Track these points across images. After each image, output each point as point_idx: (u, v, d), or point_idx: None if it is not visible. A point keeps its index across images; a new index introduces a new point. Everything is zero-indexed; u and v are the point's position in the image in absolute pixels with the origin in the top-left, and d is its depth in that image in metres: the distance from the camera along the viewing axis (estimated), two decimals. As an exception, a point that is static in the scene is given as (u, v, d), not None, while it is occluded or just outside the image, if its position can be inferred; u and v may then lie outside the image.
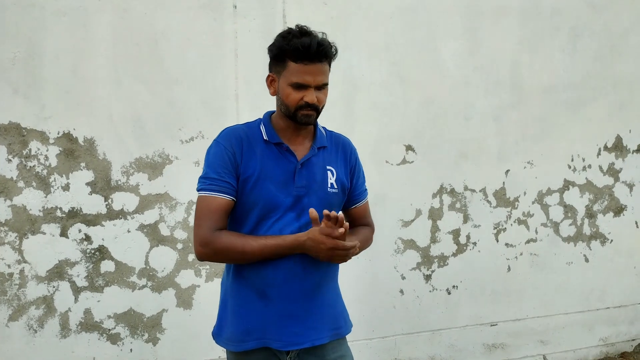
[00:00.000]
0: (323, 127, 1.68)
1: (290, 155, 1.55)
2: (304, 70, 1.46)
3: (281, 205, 1.52)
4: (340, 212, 1.51)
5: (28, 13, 2.33)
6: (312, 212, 1.43)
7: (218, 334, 1.62)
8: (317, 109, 1.51)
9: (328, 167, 1.59)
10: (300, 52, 1.45)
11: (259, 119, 1.63)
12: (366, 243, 1.71)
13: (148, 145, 2.51)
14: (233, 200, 1.51)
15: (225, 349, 1.62)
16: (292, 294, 1.53)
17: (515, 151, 3.13)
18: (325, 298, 1.59)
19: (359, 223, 1.73)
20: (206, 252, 1.49)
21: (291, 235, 1.49)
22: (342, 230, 1.41)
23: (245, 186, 1.51)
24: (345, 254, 1.46)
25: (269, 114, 1.62)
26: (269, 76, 1.57)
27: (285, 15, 2.70)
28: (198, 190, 1.53)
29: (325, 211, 1.42)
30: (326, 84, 1.51)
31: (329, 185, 1.57)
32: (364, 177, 1.74)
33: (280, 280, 1.52)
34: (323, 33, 1.52)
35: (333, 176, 1.59)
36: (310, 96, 1.47)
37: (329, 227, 1.42)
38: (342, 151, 1.66)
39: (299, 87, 1.48)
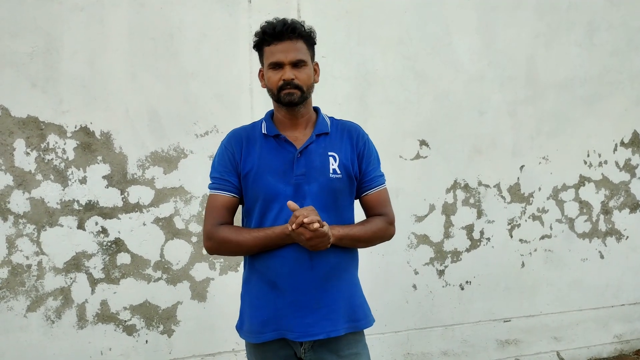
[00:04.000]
0: (330, 117, 1.68)
1: (289, 145, 1.58)
2: (275, 50, 1.54)
3: (281, 195, 1.53)
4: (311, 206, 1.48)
5: (46, 8, 2.36)
6: (290, 204, 1.44)
7: (240, 328, 1.63)
8: (298, 87, 1.54)
9: (330, 153, 1.58)
10: (268, 34, 1.54)
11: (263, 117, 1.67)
12: (379, 234, 1.61)
13: (163, 139, 2.53)
14: (234, 196, 1.59)
15: (244, 342, 1.64)
16: (302, 284, 1.53)
17: (530, 146, 3.11)
18: (340, 289, 1.57)
19: (375, 212, 1.63)
20: (209, 245, 1.58)
21: (279, 227, 1.51)
22: (305, 220, 1.38)
23: (247, 181, 1.57)
24: (327, 241, 1.44)
25: (271, 111, 1.66)
26: (259, 71, 1.64)
27: (300, 9, 2.70)
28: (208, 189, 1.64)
29: (289, 203, 1.43)
30: (302, 61, 1.55)
31: (331, 171, 1.56)
32: (376, 163, 1.66)
33: (288, 271, 1.53)
34: (303, 20, 1.59)
35: (336, 162, 1.58)
36: (287, 74, 1.52)
37: (295, 217, 1.40)
38: (347, 136, 1.63)
39: (275, 67, 1.54)
